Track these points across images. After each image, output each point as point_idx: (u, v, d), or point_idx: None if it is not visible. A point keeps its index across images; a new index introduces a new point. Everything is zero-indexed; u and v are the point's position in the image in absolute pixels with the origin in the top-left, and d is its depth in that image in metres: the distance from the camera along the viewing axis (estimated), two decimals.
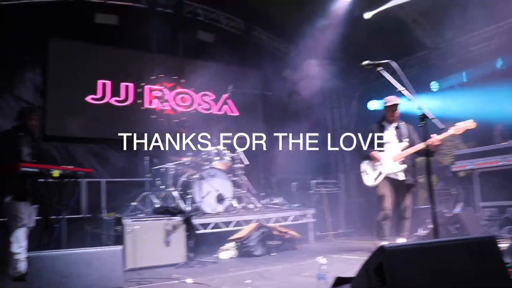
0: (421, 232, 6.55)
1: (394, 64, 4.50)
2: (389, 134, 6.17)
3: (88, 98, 8.23)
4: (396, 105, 6.09)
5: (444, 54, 8.79)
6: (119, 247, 4.32)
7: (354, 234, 8.46)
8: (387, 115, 6.20)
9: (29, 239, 5.57)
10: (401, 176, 6.01)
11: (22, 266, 5.29)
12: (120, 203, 7.59)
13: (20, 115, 5.94)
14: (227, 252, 6.32)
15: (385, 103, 6.19)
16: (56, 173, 5.29)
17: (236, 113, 9.81)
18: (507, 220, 6.13)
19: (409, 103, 4.37)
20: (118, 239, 5.77)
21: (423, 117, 4.18)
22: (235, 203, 7.30)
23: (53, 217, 5.46)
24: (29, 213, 5.58)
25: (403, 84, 4.40)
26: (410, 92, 4.36)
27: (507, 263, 3.07)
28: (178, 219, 5.99)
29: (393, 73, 4.47)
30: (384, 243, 5.87)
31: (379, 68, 4.53)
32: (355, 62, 4.71)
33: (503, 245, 4.60)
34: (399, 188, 6.06)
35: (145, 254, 5.65)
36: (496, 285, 2.89)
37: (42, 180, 5.32)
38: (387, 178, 6.05)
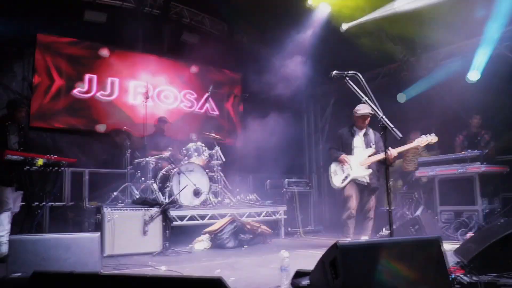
0: (385, 231, 6.97)
1: (359, 76, 4.86)
2: (358, 140, 6.57)
3: (75, 91, 8.49)
4: (364, 115, 6.49)
5: (413, 66, 9.23)
6: (97, 234, 4.52)
7: (323, 232, 8.83)
8: (357, 122, 6.60)
9: (12, 224, 5.87)
10: (367, 180, 6.43)
11: (4, 249, 5.57)
12: (102, 193, 7.87)
13: (8, 105, 6.20)
14: (201, 243, 6.60)
15: (357, 111, 6.59)
16: (40, 161, 5.52)
17: (216, 112, 10.13)
18: (462, 224, 6.60)
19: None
20: (98, 227, 6.05)
21: (384, 126, 4.56)
22: (211, 198, 7.58)
23: (36, 203, 5.74)
24: (14, 199, 5.85)
25: (367, 95, 4.77)
26: (372, 102, 4.72)
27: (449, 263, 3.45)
28: (155, 210, 6.27)
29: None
30: (348, 240, 6.34)
31: (346, 79, 4.88)
32: (330, 69, 4.99)
33: (452, 246, 5.05)
34: (364, 190, 6.47)
35: (123, 242, 5.91)
36: (437, 283, 3.28)
37: (27, 167, 5.59)
38: (353, 181, 6.46)
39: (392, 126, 4.53)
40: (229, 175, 8.37)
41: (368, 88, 4.76)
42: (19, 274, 3.97)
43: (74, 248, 4.23)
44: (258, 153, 9.20)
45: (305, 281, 3.81)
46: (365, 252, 3.25)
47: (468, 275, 3.61)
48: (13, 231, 5.78)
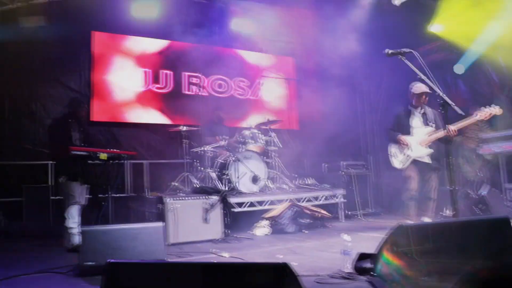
0: (446, 212, 6.78)
1: (416, 53, 4.71)
2: (416, 119, 6.40)
3: (131, 86, 8.72)
4: (423, 92, 6.30)
5: None
6: (161, 224, 4.72)
7: (382, 214, 8.75)
8: (415, 101, 6.42)
9: (81, 216, 6.16)
10: (427, 160, 6.26)
11: (76, 240, 5.85)
12: (161, 183, 8.11)
13: (70, 104, 6.45)
14: (262, 229, 6.69)
15: (413, 90, 6.40)
16: (103, 155, 5.76)
17: (269, 98, 10.10)
18: None
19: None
20: (160, 217, 6.21)
21: (444, 104, 4.42)
22: (269, 184, 7.65)
23: (101, 195, 5.99)
24: (80, 192, 6.12)
25: (424, 72, 4.63)
26: (430, 79, 4.58)
27: None
28: (215, 198, 6.40)
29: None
30: (410, 222, 6.21)
31: (402, 57, 4.74)
32: (384, 47, 4.86)
33: None
34: (424, 170, 6.31)
35: (185, 230, 6.07)
36: (508, 260, 3.17)
37: (90, 162, 5.83)
38: (414, 161, 6.32)
39: (453, 103, 4.40)
40: (285, 161, 8.36)
41: (425, 65, 4.63)
42: (91, 263, 4.18)
43: (141, 238, 4.43)
44: (313, 136, 9.15)
45: (368, 264, 3.78)
46: (430, 232, 3.21)
47: None
48: (82, 222, 6.06)
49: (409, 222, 6.17)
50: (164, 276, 2.15)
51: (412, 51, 4.71)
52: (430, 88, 4.54)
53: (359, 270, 3.81)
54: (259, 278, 2.08)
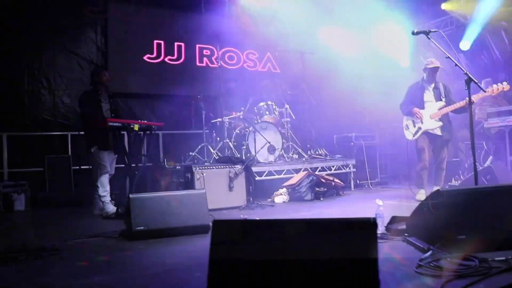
0: (455, 182, 7.21)
1: (442, 32, 5.02)
2: (428, 93, 6.76)
3: (145, 57, 8.85)
4: (436, 67, 6.65)
5: None
6: (203, 190, 5.01)
7: (388, 183, 9.16)
8: (428, 76, 6.76)
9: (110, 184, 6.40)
10: (438, 132, 6.65)
11: (110, 208, 6.11)
12: (177, 153, 8.38)
13: (93, 74, 6.58)
14: (281, 196, 7.02)
15: (426, 65, 6.74)
16: (136, 127, 6.00)
17: (278, 70, 10.32)
18: None
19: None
20: (188, 185, 6.48)
21: (469, 80, 4.75)
22: (284, 154, 7.99)
23: (133, 165, 6.23)
24: (111, 162, 6.38)
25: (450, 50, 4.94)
26: (455, 58, 4.89)
27: None
28: (239, 167, 6.70)
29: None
30: (422, 191, 6.66)
31: (430, 36, 5.03)
32: None
33: None
34: (436, 142, 6.71)
35: (212, 198, 6.18)
36: None
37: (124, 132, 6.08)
38: (425, 133, 6.70)
39: (476, 80, 4.73)
40: (296, 132, 8.67)
41: (451, 44, 4.94)
42: (142, 227, 4.45)
43: (185, 203, 4.69)
44: (319, 110, 9.46)
45: (401, 226, 4.16)
46: (465, 198, 3.55)
47: None
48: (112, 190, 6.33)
49: (423, 190, 6.67)
50: (269, 233, 2.45)
51: (438, 30, 5.01)
52: (455, 65, 4.85)
53: (393, 232, 4.17)
54: (353, 233, 2.36)
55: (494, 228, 3.36)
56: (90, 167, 6.37)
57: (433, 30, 5.00)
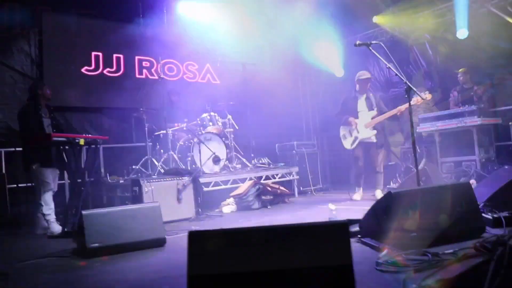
0: (393, 185, 7.63)
1: (382, 44, 5.32)
2: (361, 103, 7.22)
3: (83, 69, 8.59)
4: (368, 78, 7.17)
5: None
6: (157, 203, 4.97)
7: (329, 189, 9.49)
8: (360, 87, 7.23)
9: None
10: (374, 139, 7.15)
11: (55, 227, 5.87)
12: (117, 167, 8.21)
13: (32, 88, 6.34)
14: (228, 206, 7.10)
15: (359, 76, 7.21)
16: (82, 141, 5.82)
17: (217, 81, 10.37)
18: (462, 172, 7.30)
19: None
20: (136, 199, 6.34)
21: (408, 89, 5.07)
22: (229, 164, 8.09)
23: (79, 181, 6.03)
24: (53, 178, 6.15)
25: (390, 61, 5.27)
26: (395, 67, 5.22)
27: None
28: (187, 178, 6.67)
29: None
30: (358, 192, 7.10)
31: (371, 47, 5.32)
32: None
33: None
34: (371, 148, 7.21)
35: (162, 211, 6.30)
36: (471, 222, 3.86)
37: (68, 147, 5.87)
38: (361, 142, 7.18)
39: (415, 89, 5.07)
40: (239, 142, 8.80)
41: (390, 55, 5.25)
42: (96, 244, 4.34)
43: (139, 218, 4.63)
44: (259, 119, 9.64)
45: (355, 228, 4.38)
46: (413, 197, 3.81)
47: (489, 213, 4.14)
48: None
49: (359, 194, 7.12)
50: (250, 241, 2.49)
51: (379, 42, 5.32)
52: (396, 74, 5.16)
53: None
54: (324, 237, 2.46)
55: (440, 224, 3.65)
56: (29, 184, 6.12)
57: (374, 42, 5.32)
